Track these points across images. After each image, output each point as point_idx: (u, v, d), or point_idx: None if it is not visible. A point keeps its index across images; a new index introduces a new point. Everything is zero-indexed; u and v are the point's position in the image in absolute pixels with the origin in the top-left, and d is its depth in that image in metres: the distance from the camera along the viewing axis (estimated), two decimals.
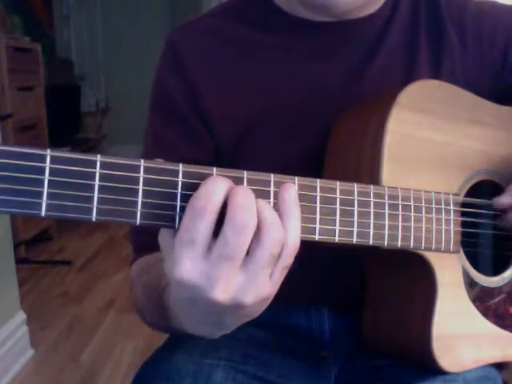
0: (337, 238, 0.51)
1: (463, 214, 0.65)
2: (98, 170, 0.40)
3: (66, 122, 4.05)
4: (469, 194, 0.67)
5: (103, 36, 5.31)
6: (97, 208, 0.40)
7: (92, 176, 0.40)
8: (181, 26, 0.79)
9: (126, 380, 1.85)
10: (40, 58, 3.24)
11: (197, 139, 0.74)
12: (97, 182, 0.40)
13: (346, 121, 0.68)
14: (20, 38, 3.38)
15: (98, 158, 0.40)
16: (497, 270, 0.71)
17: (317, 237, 0.50)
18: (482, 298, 0.68)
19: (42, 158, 0.39)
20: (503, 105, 0.72)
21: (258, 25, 0.75)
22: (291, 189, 0.45)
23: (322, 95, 0.72)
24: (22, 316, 1.98)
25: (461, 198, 0.65)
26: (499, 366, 0.73)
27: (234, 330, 0.76)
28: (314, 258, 0.70)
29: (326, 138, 0.68)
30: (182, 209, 0.43)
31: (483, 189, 0.70)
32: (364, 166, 0.62)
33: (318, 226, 0.49)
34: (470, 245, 0.69)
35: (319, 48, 0.73)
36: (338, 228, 0.51)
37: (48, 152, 0.39)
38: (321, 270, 0.74)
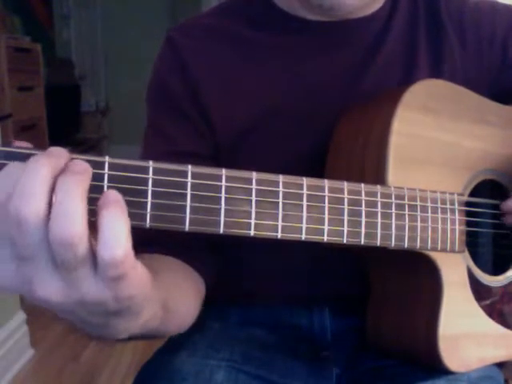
0: (345, 239, 0.51)
1: (468, 213, 0.65)
2: (106, 170, 0.40)
3: (66, 122, 4.04)
4: (471, 193, 0.67)
5: (103, 36, 5.30)
6: None
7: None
8: (181, 25, 0.78)
9: (126, 380, 1.85)
10: (40, 58, 3.24)
11: (198, 134, 0.73)
12: (105, 183, 0.40)
13: (349, 120, 0.67)
14: (20, 38, 3.37)
15: (106, 158, 0.40)
16: (501, 270, 0.71)
17: (325, 238, 0.49)
18: (486, 298, 0.68)
19: None
20: (504, 104, 0.72)
21: (257, 24, 0.75)
22: (110, 192, 0.38)
23: (321, 95, 0.72)
24: (21, 316, 1.98)
25: (465, 198, 0.65)
26: (499, 365, 0.73)
27: (234, 331, 0.76)
28: (314, 258, 0.71)
29: (326, 137, 0.67)
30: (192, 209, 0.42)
31: (485, 188, 0.70)
32: (369, 166, 0.61)
33: (326, 227, 0.49)
34: (474, 244, 0.69)
35: (319, 47, 0.73)
36: (346, 229, 0.51)
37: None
38: (322, 269, 0.73)
